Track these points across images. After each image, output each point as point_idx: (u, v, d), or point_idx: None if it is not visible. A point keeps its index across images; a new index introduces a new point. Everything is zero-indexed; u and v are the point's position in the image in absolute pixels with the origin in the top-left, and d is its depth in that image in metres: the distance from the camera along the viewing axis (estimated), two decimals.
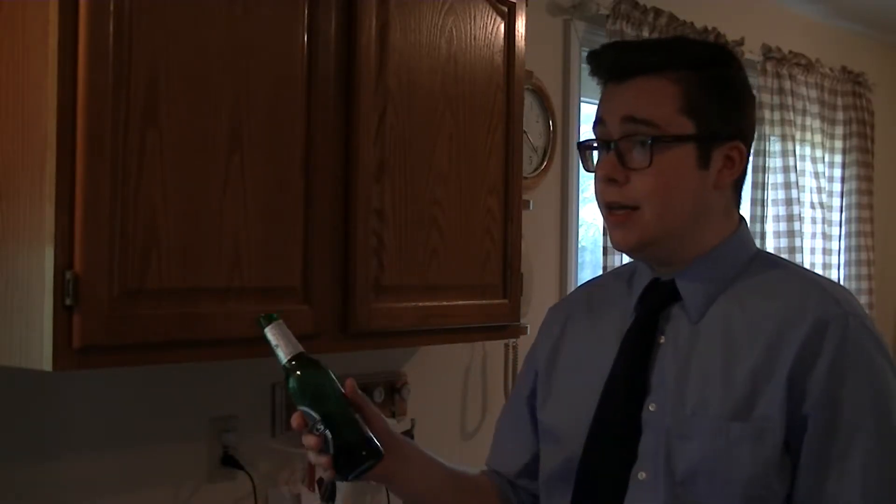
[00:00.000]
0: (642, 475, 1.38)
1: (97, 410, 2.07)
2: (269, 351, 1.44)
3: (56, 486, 2.01)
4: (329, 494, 2.48)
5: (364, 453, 1.39)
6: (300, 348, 1.44)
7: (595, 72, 1.47)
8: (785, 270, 1.46)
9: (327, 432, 1.38)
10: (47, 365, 1.62)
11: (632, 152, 1.39)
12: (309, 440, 1.39)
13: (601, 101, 1.46)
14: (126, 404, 2.12)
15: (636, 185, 1.39)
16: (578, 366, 1.53)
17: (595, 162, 1.46)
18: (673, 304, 1.44)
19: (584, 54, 3.24)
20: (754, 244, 1.51)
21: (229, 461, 2.26)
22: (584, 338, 1.55)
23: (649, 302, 1.47)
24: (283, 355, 1.43)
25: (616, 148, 1.40)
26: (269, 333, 1.43)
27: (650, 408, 1.40)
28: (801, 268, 1.52)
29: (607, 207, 1.43)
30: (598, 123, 1.44)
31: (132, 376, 2.10)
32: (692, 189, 1.41)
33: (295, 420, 1.40)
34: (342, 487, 2.51)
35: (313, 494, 2.43)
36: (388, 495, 2.55)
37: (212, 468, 2.26)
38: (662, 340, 1.43)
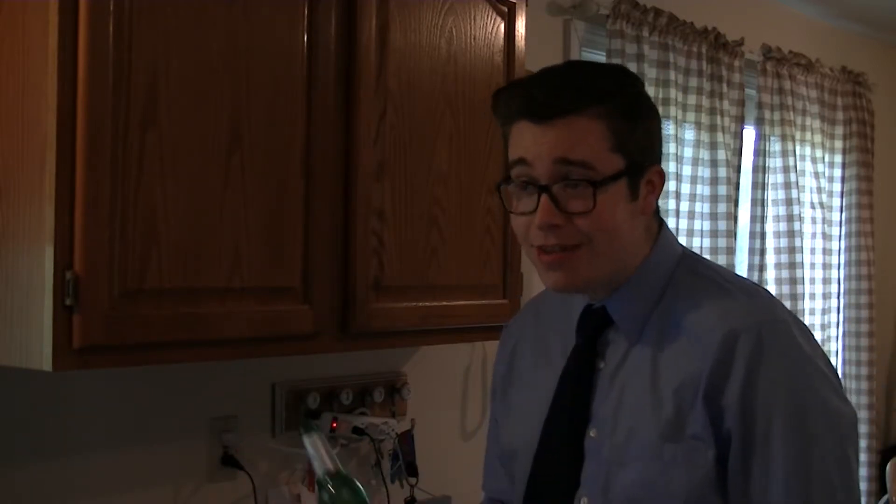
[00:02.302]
0: (585, 501, 1.39)
1: (97, 410, 2.07)
2: (271, 350, 1.44)
3: (56, 486, 2.01)
4: None
5: None
6: (337, 465, 1.48)
7: (508, 110, 1.41)
8: (702, 281, 1.43)
9: None
10: (47, 365, 1.62)
11: (570, 196, 1.35)
12: None
13: (520, 139, 1.39)
14: (126, 404, 2.12)
15: (579, 227, 1.35)
16: (528, 386, 1.53)
17: (516, 201, 1.40)
18: (609, 329, 1.44)
19: (584, 54, 3.28)
20: (677, 246, 1.48)
21: (229, 461, 2.26)
22: (532, 357, 1.55)
23: (587, 329, 1.46)
24: (319, 467, 1.46)
25: (549, 192, 1.35)
26: (308, 443, 1.46)
27: (591, 434, 1.41)
28: (719, 275, 1.46)
29: (541, 249, 1.39)
30: (520, 163, 1.38)
31: (132, 376, 2.10)
32: (627, 222, 1.38)
33: None
34: None
35: (313, 494, 2.43)
36: (388, 495, 2.55)
37: (212, 468, 2.26)
38: (602, 366, 1.43)
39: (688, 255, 1.48)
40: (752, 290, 1.44)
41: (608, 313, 1.43)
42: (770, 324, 1.35)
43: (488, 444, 1.69)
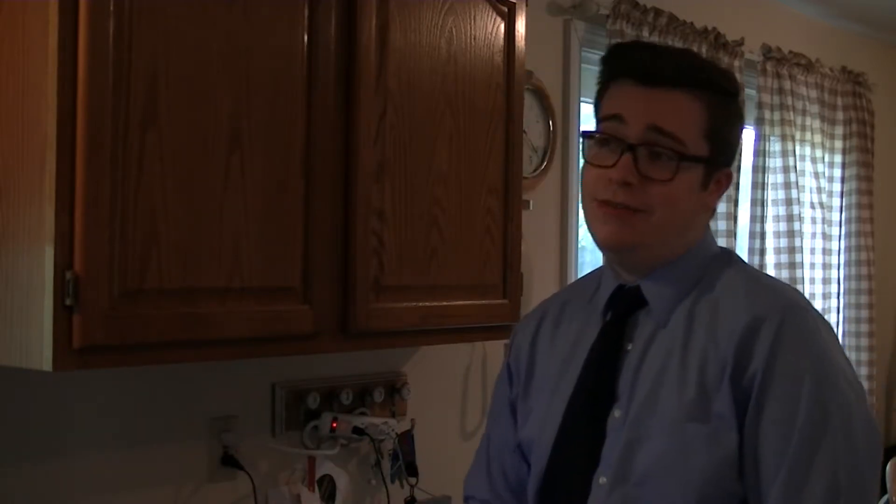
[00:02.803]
0: (602, 480, 1.40)
1: (97, 410, 2.07)
2: (271, 350, 1.43)
3: (56, 486, 2.01)
4: (329, 494, 2.48)
5: None
6: None
7: (619, 66, 1.45)
8: (735, 273, 1.47)
9: None
10: (47, 365, 1.62)
11: (651, 161, 1.39)
12: None
13: (619, 97, 1.44)
14: (126, 404, 2.12)
15: (651, 193, 1.40)
16: (548, 380, 1.54)
17: (593, 151, 1.44)
18: (639, 311, 1.46)
19: (584, 54, 3.28)
20: (716, 245, 1.53)
21: (229, 461, 2.26)
22: (553, 351, 1.56)
23: (616, 308, 1.48)
24: None
25: (634, 152, 1.39)
26: None
27: (615, 414, 1.42)
28: (751, 271, 1.53)
29: (605, 203, 1.42)
30: (614, 119, 1.42)
31: (132, 376, 2.10)
32: (691, 208, 1.44)
33: None
34: (342, 488, 2.51)
35: (313, 494, 2.43)
36: (388, 495, 2.55)
37: (212, 468, 2.26)
38: (629, 347, 1.45)
39: (725, 252, 1.54)
40: (781, 285, 1.49)
41: (641, 295, 1.45)
42: (792, 310, 1.38)
43: (485, 442, 1.68)
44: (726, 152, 1.46)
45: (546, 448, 1.47)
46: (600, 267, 1.60)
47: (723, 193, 1.49)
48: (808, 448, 1.32)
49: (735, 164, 1.51)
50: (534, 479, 1.50)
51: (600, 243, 1.46)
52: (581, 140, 1.52)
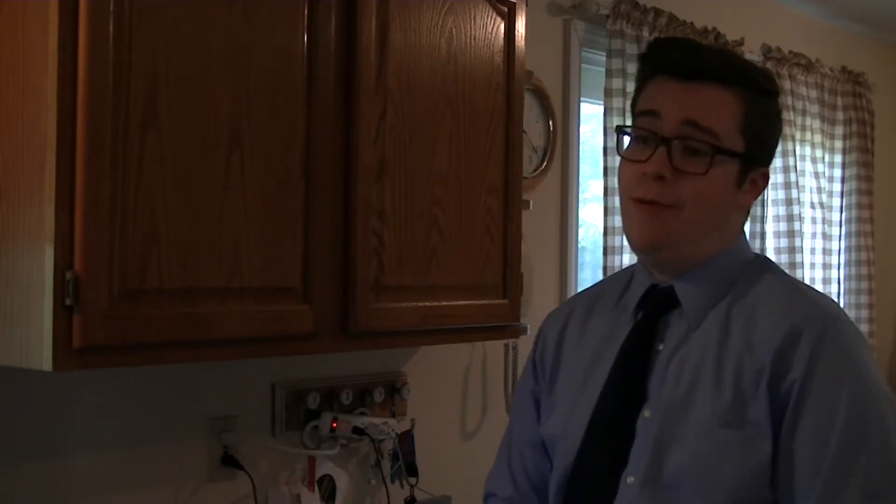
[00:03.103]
0: (631, 479, 1.39)
1: (97, 410, 2.07)
2: (271, 350, 1.42)
3: (56, 486, 2.01)
4: (329, 494, 2.48)
5: None
6: None
7: (656, 63, 1.45)
8: (773, 276, 1.47)
9: None
10: (47, 365, 1.62)
11: (686, 156, 1.39)
12: None
13: (656, 92, 1.44)
14: (126, 404, 2.12)
15: (684, 188, 1.39)
16: (575, 377, 1.53)
17: (629, 147, 1.45)
18: (671, 311, 1.45)
19: (584, 54, 3.28)
20: (751, 250, 1.53)
21: (229, 461, 2.26)
22: (581, 348, 1.55)
23: (648, 308, 1.47)
24: None
25: (668, 146, 1.39)
26: None
27: (645, 414, 1.41)
28: (786, 273, 1.53)
29: (639, 201, 1.42)
30: (650, 114, 1.42)
31: (132, 376, 2.10)
32: (724, 205, 1.43)
33: None
34: (342, 488, 2.51)
35: (313, 494, 2.43)
36: (388, 495, 2.55)
37: (212, 468, 2.26)
38: (661, 347, 1.44)
39: (760, 258, 1.54)
40: (819, 294, 1.48)
41: (674, 295, 1.44)
42: (833, 321, 1.38)
43: (507, 438, 1.66)
44: (763, 151, 1.45)
45: (573, 445, 1.46)
46: (631, 266, 1.59)
47: (758, 195, 1.47)
48: (844, 459, 1.32)
49: (769, 162, 1.49)
50: (559, 475, 1.49)
51: (632, 244, 1.45)
52: (616, 137, 1.51)
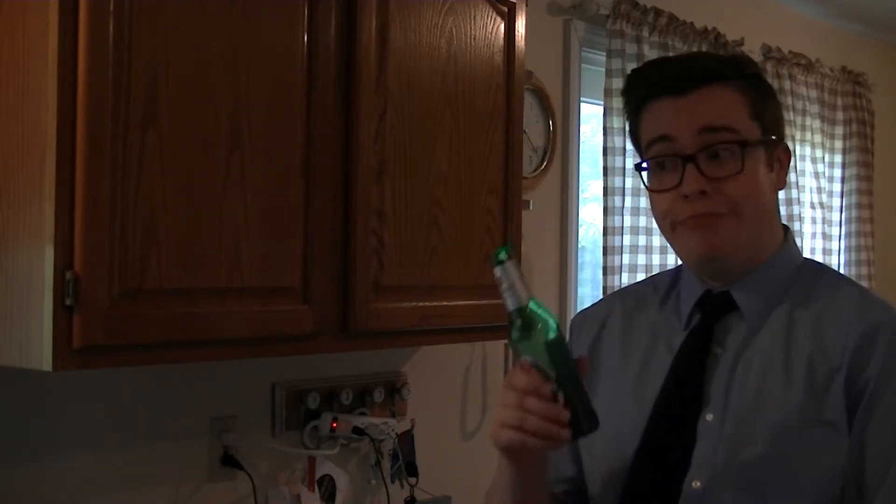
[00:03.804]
0: (696, 484, 1.37)
1: (97, 410, 2.07)
2: (271, 350, 1.39)
3: (56, 485, 2.01)
4: (329, 494, 2.48)
5: (590, 423, 1.29)
6: (531, 295, 1.31)
7: (645, 89, 1.44)
8: (832, 278, 1.47)
9: (560, 393, 1.27)
10: (47, 365, 1.62)
11: (714, 162, 1.38)
12: (545, 390, 1.28)
13: (657, 117, 1.42)
14: (126, 404, 2.12)
15: (727, 192, 1.38)
16: (624, 380, 1.50)
17: (653, 180, 1.43)
18: (729, 316, 1.44)
19: (584, 54, 3.28)
20: (800, 253, 1.52)
21: (229, 461, 2.26)
22: (626, 350, 1.52)
23: (705, 313, 1.46)
24: (510, 301, 1.31)
25: (695, 161, 1.38)
26: (500, 273, 1.32)
27: (707, 418, 1.39)
28: (845, 277, 1.52)
29: (690, 218, 1.39)
30: (661, 140, 1.40)
31: (132, 376, 2.10)
32: (768, 194, 1.43)
33: (523, 368, 1.29)
34: (342, 488, 2.51)
35: (313, 494, 2.44)
36: (388, 495, 2.55)
37: (212, 468, 2.26)
38: (719, 352, 1.42)
39: (812, 261, 1.53)
40: (878, 294, 1.48)
41: (730, 300, 1.44)
42: None
43: None
44: (776, 127, 1.45)
45: (627, 448, 1.44)
46: (669, 271, 1.57)
47: (787, 171, 1.47)
48: None
49: (783, 136, 1.49)
50: (609, 476, 1.46)
51: (696, 259, 1.43)
52: (639, 174, 1.48)
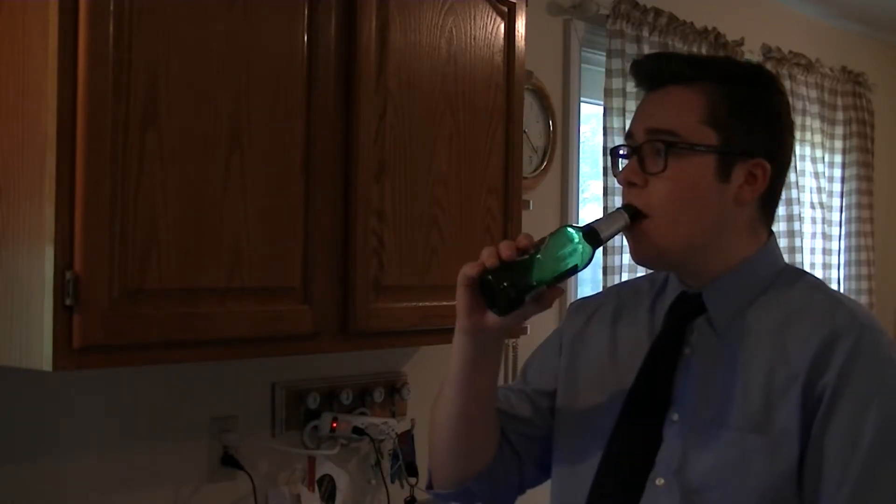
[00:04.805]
0: (660, 481, 1.39)
1: (97, 410, 2.07)
2: (271, 350, 1.39)
3: (56, 485, 2.01)
4: (329, 494, 2.48)
5: (504, 306, 1.35)
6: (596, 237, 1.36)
7: (636, 82, 1.49)
8: (806, 285, 1.46)
9: (528, 265, 1.33)
10: (47, 365, 1.62)
11: (651, 158, 1.40)
12: (522, 242, 1.36)
13: (635, 112, 1.48)
14: (126, 404, 2.12)
15: (652, 190, 1.39)
16: (600, 370, 1.52)
17: (620, 169, 1.47)
18: (699, 317, 1.45)
19: (584, 54, 3.28)
20: (782, 259, 1.51)
21: (229, 461, 2.26)
22: (608, 342, 1.54)
23: (677, 314, 1.47)
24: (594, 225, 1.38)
25: (639, 153, 1.41)
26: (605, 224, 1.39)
27: (673, 418, 1.41)
28: (822, 283, 1.52)
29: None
30: (628, 135, 1.45)
31: (132, 376, 2.10)
32: (710, 200, 1.41)
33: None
34: (342, 488, 2.51)
35: (313, 494, 2.44)
36: (388, 495, 2.55)
37: (212, 468, 2.26)
38: (687, 352, 1.44)
39: (792, 268, 1.52)
40: (857, 304, 1.47)
41: (701, 302, 1.44)
42: (870, 330, 1.37)
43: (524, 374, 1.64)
44: (747, 140, 1.41)
45: (596, 443, 1.46)
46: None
47: (761, 188, 1.42)
48: (873, 466, 1.31)
49: (771, 155, 1.45)
50: (582, 466, 1.48)
51: (634, 261, 1.47)
52: (610, 158, 1.52)
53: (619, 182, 1.46)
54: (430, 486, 1.60)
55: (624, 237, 1.45)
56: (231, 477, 2.28)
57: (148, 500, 2.16)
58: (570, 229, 1.35)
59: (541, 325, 1.98)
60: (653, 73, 1.44)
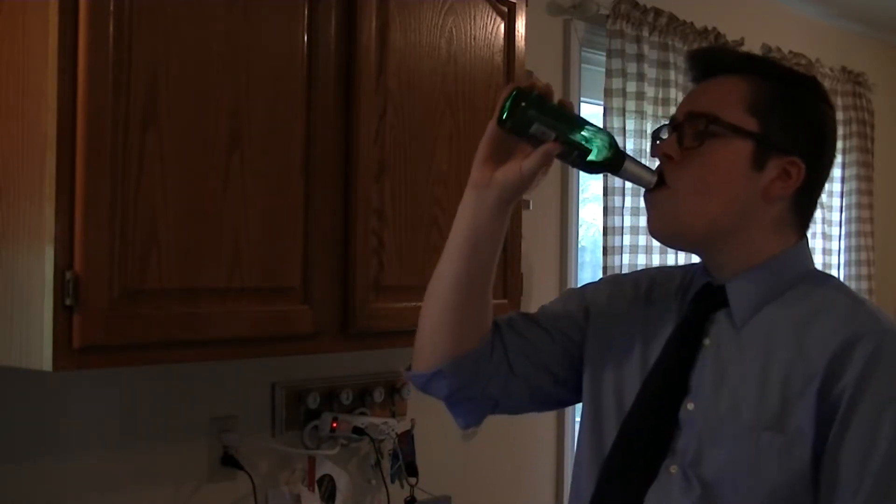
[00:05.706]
0: (674, 469, 1.39)
1: (97, 410, 2.07)
2: (271, 350, 1.40)
3: (56, 485, 2.01)
4: (329, 494, 2.48)
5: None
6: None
7: (689, 74, 1.52)
8: (830, 287, 1.46)
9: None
10: (47, 365, 1.62)
11: (690, 136, 1.41)
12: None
13: None
14: (126, 404, 2.12)
15: (684, 164, 1.41)
16: (626, 352, 1.52)
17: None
18: (720, 309, 1.45)
19: (584, 54, 3.28)
20: (812, 264, 1.50)
21: (229, 461, 2.26)
22: (639, 322, 1.53)
23: (699, 304, 1.47)
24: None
25: (679, 130, 1.43)
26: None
27: (689, 406, 1.41)
28: (847, 287, 1.52)
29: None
30: (671, 119, 1.48)
31: (133, 376, 2.10)
32: (738, 186, 1.41)
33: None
34: (342, 488, 2.51)
35: (313, 494, 2.44)
36: (388, 495, 2.55)
37: (212, 468, 2.26)
38: (707, 343, 1.44)
39: (822, 273, 1.52)
40: (881, 311, 1.46)
41: (724, 294, 1.44)
42: (893, 335, 1.36)
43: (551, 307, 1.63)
44: (786, 137, 1.41)
45: (612, 423, 1.47)
46: (697, 263, 1.58)
47: (793, 187, 1.42)
48: (889, 476, 1.31)
49: (808, 156, 1.44)
50: (593, 445, 1.49)
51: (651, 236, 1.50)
52: (651, 140, 1.54)
53: (657, 157, 1.46)
54: (409, 368, 1.61)
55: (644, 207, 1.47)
56: (231, 477, 2.28)
57: (148, 500, 2.16)
58: (612, 135, 1.40)
59: None
60: (705, 63, 1.47)
